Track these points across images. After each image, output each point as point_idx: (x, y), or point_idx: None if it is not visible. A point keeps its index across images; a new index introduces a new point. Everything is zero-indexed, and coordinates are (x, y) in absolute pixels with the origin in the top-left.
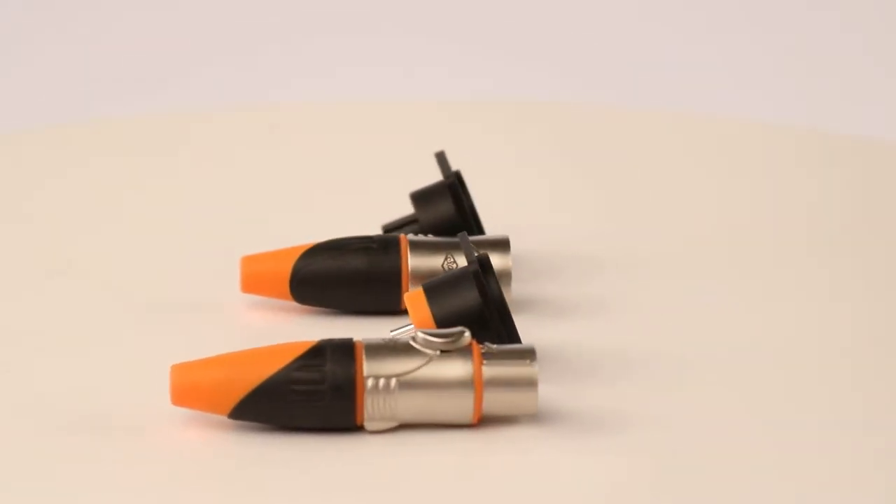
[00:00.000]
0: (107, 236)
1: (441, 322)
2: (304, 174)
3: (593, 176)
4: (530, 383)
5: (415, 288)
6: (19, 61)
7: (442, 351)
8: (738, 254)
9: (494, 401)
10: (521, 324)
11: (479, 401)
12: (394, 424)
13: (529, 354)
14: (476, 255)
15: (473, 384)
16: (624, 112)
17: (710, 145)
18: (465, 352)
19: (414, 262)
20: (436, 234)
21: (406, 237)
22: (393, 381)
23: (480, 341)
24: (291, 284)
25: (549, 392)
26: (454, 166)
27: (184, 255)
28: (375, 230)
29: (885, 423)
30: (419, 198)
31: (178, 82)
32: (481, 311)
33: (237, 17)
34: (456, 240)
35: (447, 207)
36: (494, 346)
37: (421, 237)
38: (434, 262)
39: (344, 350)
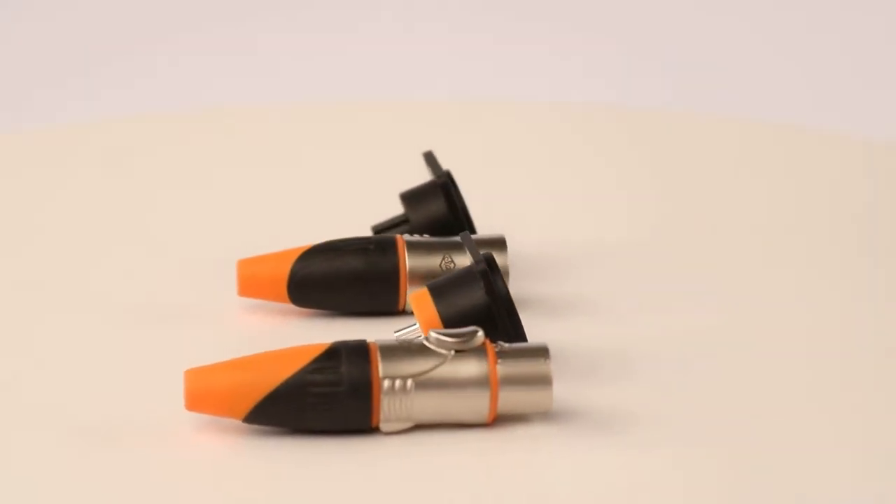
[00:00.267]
0: (98, 243)
1: (448, 321)
2: (290, 177)
3: (585, 175)
4: (545, 381)
5: (413, 288)
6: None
7: (457, 351)
8: (735, 253)
9: (510, 399)
10: None
11: (494, 400)
12: (409, 425)
13: (543, 352)
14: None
15: (489, 383)
16: (621, 112)
17: (708, 145)
18: (479, 351)
19: (412, 262)
20: (427, 233)
21: (403, 238)
22: (409, 382)
23: (493, 340)
24: (289, 287)
25: (554, 390)
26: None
27: (175, 260)
28: (364, 231)
29: (889, 421)
30: (410, 198)
31: (171, 83)
32: (488, 310)
33: (230, 14)
34: (452, 239)
35: (440, 207)
36: (507, 344)
37: (417, 237)
38: (432, 262)
39: (359, 352)
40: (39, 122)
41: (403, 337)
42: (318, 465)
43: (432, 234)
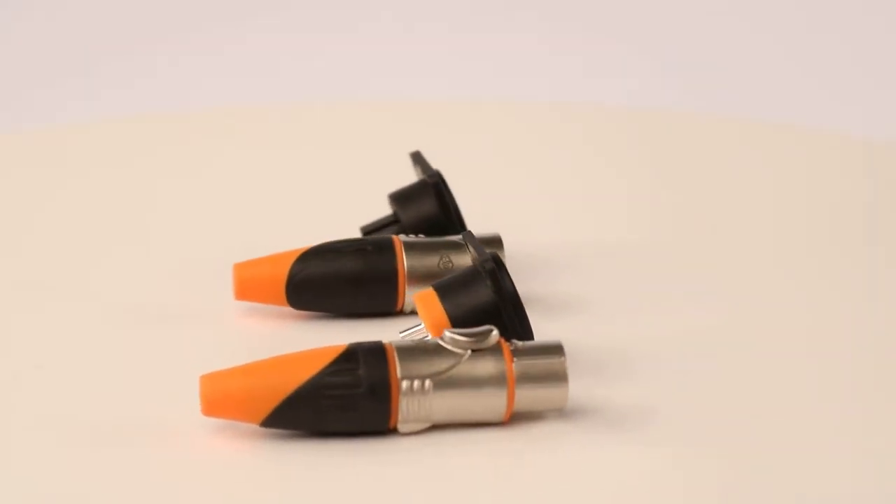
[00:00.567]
0: (93, 244)
1: (455, 320)
2: (285, 178)
3: (584, 174)
4: (561, 378)
5: (412, 288)
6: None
7: (473, 350)
8: (735, 253)
9: (526, 397)
10: None
11: (511, 398)
12: (426, 426)
13: (558, 350)
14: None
15: (506, 381)
16: (620, 112)
17: (708, 145)
18: (495, 350)
19: (410, 262)
20: (418, 233)
21: (399, 238)
22: (427, 383)
23: (508, 339)
24: (287, 289)
25: None
26: (416, 167)
27: (168, 262)
28: (352, 232)
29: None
30: (401, 198)
31: (169, 83)
32: (495, 308)
33: (228, 15)
34: (448, 239)
35: (432, 207)
36: (520, 342)
37: (413, 238)
38: (430, 262)
39: (376, 353)
40: (39, 122)
41: (409, 337)
42: (334, 467)
43: (423, 233)
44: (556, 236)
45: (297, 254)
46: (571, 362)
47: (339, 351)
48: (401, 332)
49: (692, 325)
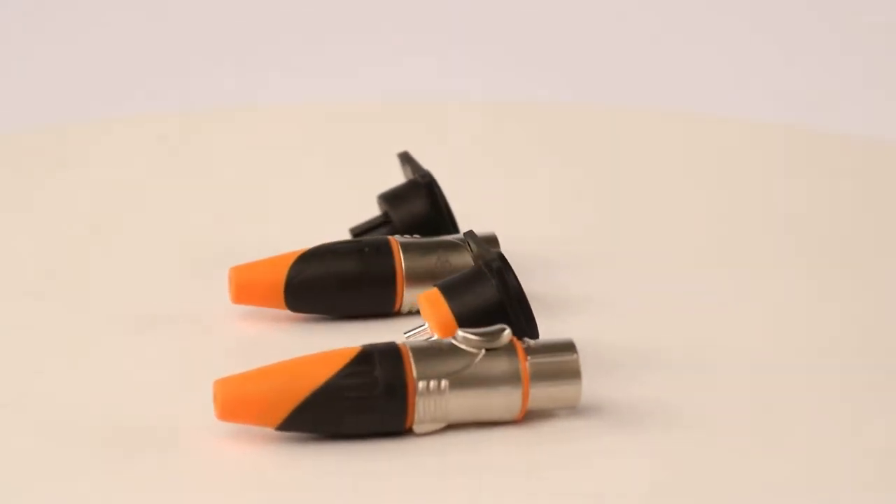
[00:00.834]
0: (75, 253)
1: (461, 319)
2: (279, 178)
3: (566, 174)
4: (574, 375)
5: (410, 289)
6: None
7: (487, 349)
8: (734, 253)
9: (540, 394)
10: None
11: (525, 396)
12: (442, 426)
13: (570, 347)
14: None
15: (521, 379)
16: (616, 111)
17: (708, 145)
18: (508, 348)
19: (408, 263)
20: (410, 233)
21: (395, 239)
22: (443, 383)
23: (520, 337)
24: (286, 291)
25: None
26: (405, 167)
27: (157, 268)
28: (342, 233)
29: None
30: (392, 198)
31: (152, 88)
32: (501, 306)
33: (225, 15)
34: (443, 238)
35: (425, 207)
36: (531, 341)
37: (408, 238)
38: (427, 262)
39: (392, 354)
40: (32, 122)
41: (414, 338)
42: (352, 469)
43: (415, 233)
44: (548, 235)
45: (294, 256)
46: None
47: (354, 353)
48: (405, 333)
49: (692, 323)
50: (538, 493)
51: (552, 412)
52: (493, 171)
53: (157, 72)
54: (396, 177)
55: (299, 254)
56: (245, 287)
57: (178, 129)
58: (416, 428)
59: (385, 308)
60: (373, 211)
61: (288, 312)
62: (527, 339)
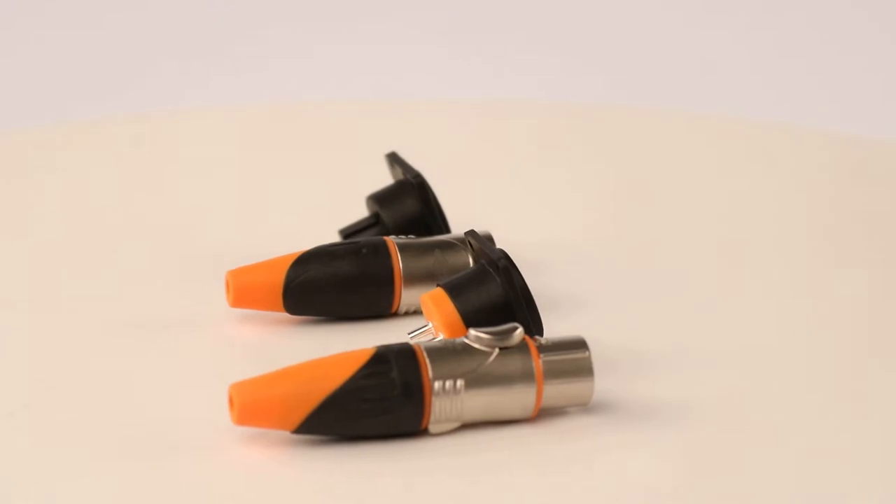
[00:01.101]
0: (63, 259)
1: (467, 318)
2: (271, 180)
3: (556, 173)
4: (587, 372)
5: (409, 289)
6: None
7: (500, 348)
8: (734, 253)
9: (554, 392)
10: None
11: (539, 394)
12: (456, 425)
13: (582, 344)
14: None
15: (535, 377)
16: (616, 111)
17: (705, 145)
18: (522, 347)
19: (406, 263)
20: (400, 234)
21: (392, 239)
22: (459, 382)
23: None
24: (285, 294)
25: None
26: (393, 168)
27: (149, 272)
28: (332, 234)
29: None
30: (384, 199)
31: (142, 90)
32: (507, 304)
33: (204, 21)
34: (439, 238)
35: (418, 207)
36: (542, 338)
37: (404, 238)
38: (425, 262)
39: (408, 355)
40: (25, 123)
41: (418, 338)
42: (375, 469)
43: (406, 233)
44: (538, 235)
45: (292, 259)
46: None
47: (369, 354)
48: (409, 334)
49: (692, 321)
50: (560, 490)
51: (563, 410)
52: (480, 171)
53: (151, 72)
54: (383, 177)
55: (297, 256)
56: (244, 290)
57: (163, 129)
58: (432, 428)
59: (383, 309)
60: (361, 212)
61: (284, 315)
62: (538, 338)
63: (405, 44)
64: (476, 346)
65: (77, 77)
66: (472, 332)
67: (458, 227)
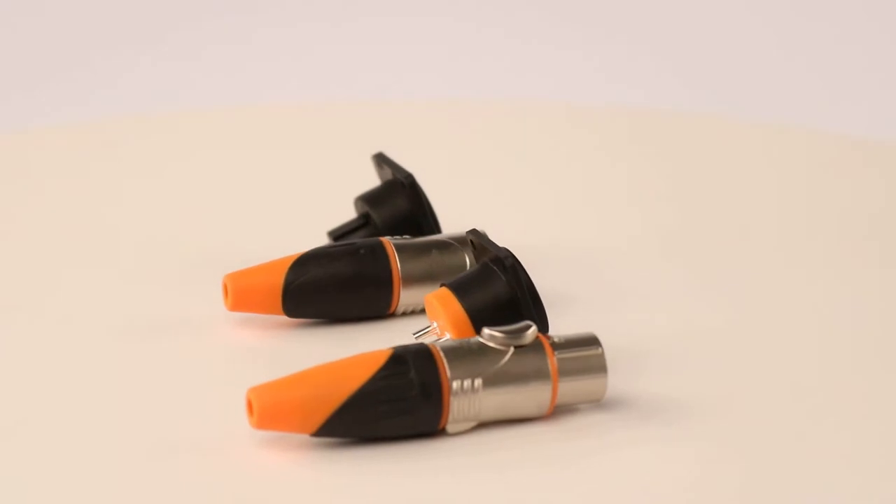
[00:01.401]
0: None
1: (473, 317)
2: (264, 181)
3: (545, 172)
4: (601, 369)
5: (407, 290)
6: None
7: (516, 346)
8: (735, 253)
9: (569, 389)
10: None
11: (555, 391)
12: (473, 424)
13: (594, 341)
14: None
15: (551, 375)
16: (621, 110)
17: (708, 145)
18: (536, 345)
19: (404, 264)
20: (391, 234)
21: (388, 240)
22: (477, 382)
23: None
24: (284, 296)
25: None
26: (382, 168)
27: (144, 275)
28: (318, 237)
29: None
30: (374, 199)
31: (142, 89)
32: (513, 302)
33: (201, 21)
34: (434, 238)
35: (410, 207)
36: (555, 336)
37: (399, 239)
38: (422, 262)
39: (425, 355)
40: (19, 123)
41: (423, 338)
42: (397, 471)
43: (397, 234)
44: (529, 236)
45: (290, 261)
46: None
47: (387, 355)
48: (414, 334)
49: (691, 320)
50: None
51: (576, 407)
52: (469, 172)
53: (151, 71)
54: (370, 178)
55: (294, 258)
56: (243, 294)
57: (163, 129)
58: (450, 428)
59: (381, 310)
60: (349, 213)
61: (281, 318)
62: (550, 335)
63: (405, 44)
64: (491, 344)
65: (76, 77)
66: (487, 330)
67: (447, 228)
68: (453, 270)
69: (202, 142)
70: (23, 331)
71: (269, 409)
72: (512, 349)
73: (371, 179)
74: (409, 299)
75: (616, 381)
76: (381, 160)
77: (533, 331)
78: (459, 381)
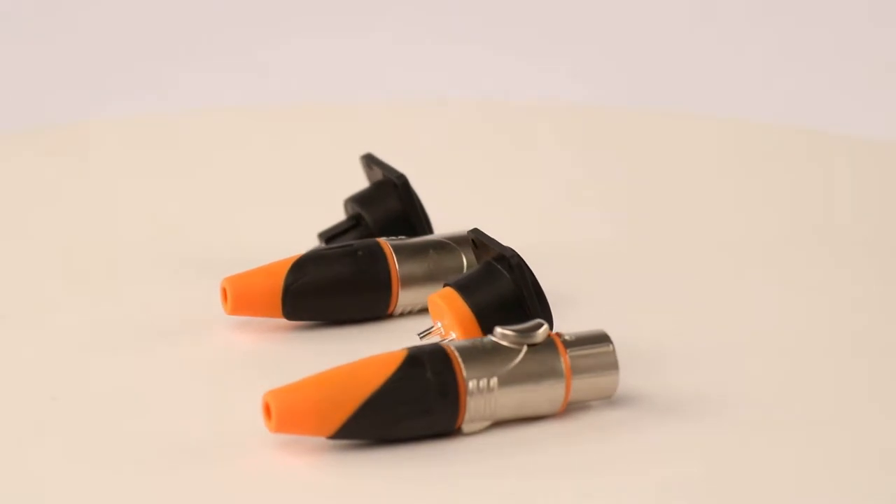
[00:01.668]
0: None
1: (479, 315)
2: (257, 182)
3: (533, 171)
4: (612, 366)
5: (406, 290)
6: None
7: (528, 345)
8: (732, 253)
9: (581, 387)
10: None
11: (568, 389)
12: (488, 423)
13: (605, 338)
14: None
15: (564, 373)
16: (591, 109)
17: (702, 145)
18: (549, 343)
19: (402, 264)
20: (383, 235)
21: (385, 241)
22: (493, 381)
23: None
24: (284, 299)
25: None
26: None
27: (139, 277)
28: (307, 238)
29: None
30: (366, 200)
31: (141, 90)
32: (518, 300)
33: (197, 21)
34: (430, 238)
35: (403, 207)
36: (566, 334)
37: (395, 239)
38: (420, 263)
39: (441, 356)
40: (15, 124)
41: (427, 338)
42: (415, 473)
43: (389, 234)
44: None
45: (288, 264)
46: None
47: (402, 356)
48: (419, 334)
49: (691, 319)
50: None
51: (588, 404)
52: (453, 172)
53: (150, 72)
54: (356, 179)
55: (293, 261)
56: (242, 297)
57: (154, 131)
58: (466, 427)
59: (379, 311)
60: (337, 215)
61: (279, 321)
62: (561, 333)
63: (406, 43)
64: (504, 343)
65: (75, 76)
66: (499, 329)
67: (444, 228)
68: (450, 271)
69: (208, 141)
70: (20, 333)
71: (287, 412)
72: (525, 348)
73: (358, 180)
74: (407, 300)
75: (626, 377)
76: (370, 161)
77: (545, 329)
78: (475, 381)
